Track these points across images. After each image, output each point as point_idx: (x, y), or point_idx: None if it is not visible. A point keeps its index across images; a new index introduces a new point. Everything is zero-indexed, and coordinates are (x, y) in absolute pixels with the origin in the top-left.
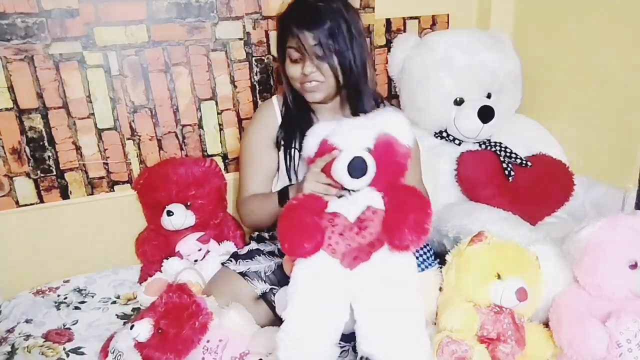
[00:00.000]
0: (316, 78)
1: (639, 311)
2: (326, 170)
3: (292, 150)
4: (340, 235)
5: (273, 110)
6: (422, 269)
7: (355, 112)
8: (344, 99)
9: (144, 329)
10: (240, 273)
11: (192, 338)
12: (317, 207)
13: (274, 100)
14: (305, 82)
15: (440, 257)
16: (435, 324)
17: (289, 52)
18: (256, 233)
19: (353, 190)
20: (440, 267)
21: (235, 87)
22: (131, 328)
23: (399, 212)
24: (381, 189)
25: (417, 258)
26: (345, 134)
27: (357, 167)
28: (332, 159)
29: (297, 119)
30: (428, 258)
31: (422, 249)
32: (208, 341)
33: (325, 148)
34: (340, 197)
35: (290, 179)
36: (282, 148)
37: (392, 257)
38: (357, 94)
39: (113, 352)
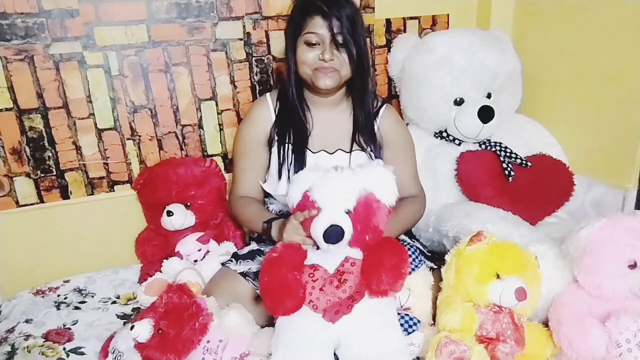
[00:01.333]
0: (334, 65)
1: (639, 311)
2: (304, 225)
3: (286, 145)
4: (321, 290)
5: (267, 107)
6: (409, 272)
7: (357, 109)
8: (343, 95)
9: (144, 329)
10: (241, 273)
11: (192, 339)
12: (297, 259)
13: (268, 97)
14: (321, 68)
15: (440, 257)
16: (431, 325)
17: (308, 36)
18: (256, 233)
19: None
20: (438, 267)
21: (235, 87)
22: (131, 328)
23: (376, 257)
24: (358, 247)
25: None
26: (327, 192)
27: (331, 235)
28: (311, 217)
29: (292, 115)
30: (414, 260)
31: (407, 250)
32: (208, 342)
33: (306, 203)
34: (319, 248)
35: (280, 176)
36: (275, 144)
37: (373, 303)
38: (362, 90)
39: (113, 352)
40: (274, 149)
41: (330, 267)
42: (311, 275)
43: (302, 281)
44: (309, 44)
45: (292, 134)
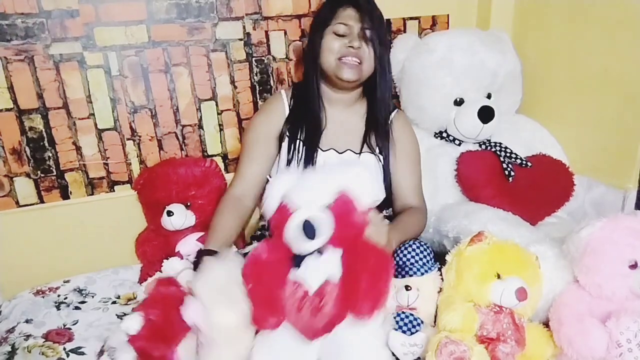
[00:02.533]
0: (359, 54)
1: (639, 311)
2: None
3: (297, 142)
4: (299, 312)
5: (282, 101)
6: (422, 273)
7: (373, 111)
8: (359, 96)
9: (133, 321)
10: None
11: (182, 325)
12: (282, 268)
13: (283, 93)
14: (346, 56)
15: (440, 257)
16: (433, 325)
17: (337, 26)
18: (258, 232)
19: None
20: (440, 268)
21: (235, 87)
22: (122, 315)
23: (352, 277)
24: (340, 247)
25: (418, 262)
26: (302, 191)
27: (309, 228)
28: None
29: (306, 112)
30: (428, 262)
31: (421, 252)
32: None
33: (283, 211)
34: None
35: None
36: (286, 139)
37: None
38: (381, 93)
39: (107, 350)
40: (284, 145)
41: (312, 287)
42: (294, 293)
43: (284, 300)
44: (338, 34)
45: (304, 131)
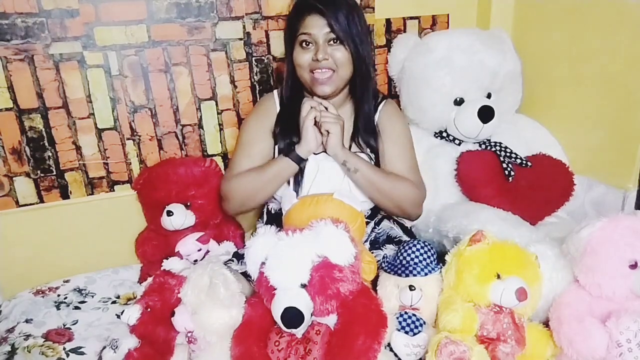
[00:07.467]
0: (328, 66)
1: (639, 311)
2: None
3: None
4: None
5: (274, 101)
6: (426, 274)
7: (358, 109)
8: (346, 96)
9: (133, 311)
10: (243, 273)
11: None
12: (266, 321)
13: (275, 93)
14: (316, 69)
15: (440, 257)
16: (434, 326)
17: (301, 37)
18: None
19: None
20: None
21: (235, 87)
22: (122, 313)
23: (344, 339)
24: (326, 316)
25: (421, 262)
26: (278, 269)
27: (288, 321)
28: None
29: (293, 113)
30: (431, 262)
31: (425, 253)
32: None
33: (262, 282)
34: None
35: None
36: (278, 141)
37: None
38: (364, 89)
39: (109, 343)
40: (277, 148)
41: (299, 331)
42: (277, 343)
43: (267, 352)
44: (303, 45)
45: (295, 132)
